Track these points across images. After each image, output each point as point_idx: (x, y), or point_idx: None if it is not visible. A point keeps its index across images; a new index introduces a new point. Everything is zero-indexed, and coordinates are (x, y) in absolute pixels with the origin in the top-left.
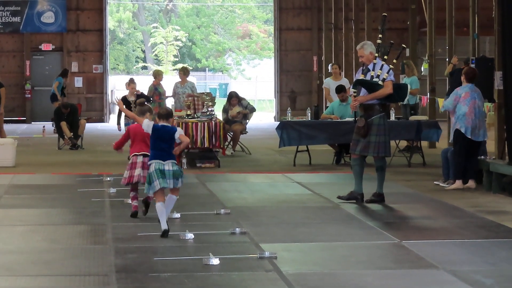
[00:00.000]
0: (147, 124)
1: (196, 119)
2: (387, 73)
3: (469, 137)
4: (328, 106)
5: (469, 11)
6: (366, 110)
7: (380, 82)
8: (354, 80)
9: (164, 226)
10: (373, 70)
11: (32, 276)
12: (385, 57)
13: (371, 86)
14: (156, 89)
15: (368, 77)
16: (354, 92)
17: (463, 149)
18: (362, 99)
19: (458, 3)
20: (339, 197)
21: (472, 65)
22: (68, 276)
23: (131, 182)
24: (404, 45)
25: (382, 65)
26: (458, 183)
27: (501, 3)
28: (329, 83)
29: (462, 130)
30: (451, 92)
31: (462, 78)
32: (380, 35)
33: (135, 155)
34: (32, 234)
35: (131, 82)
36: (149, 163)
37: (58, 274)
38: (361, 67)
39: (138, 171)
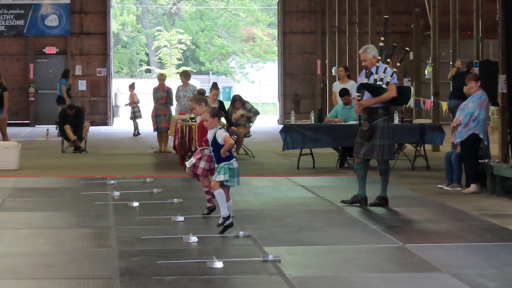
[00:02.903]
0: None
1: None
2: (391, 76)
3: (486, 143)
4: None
5: (473, 14)
6: (370, 113)
7: (384, 86)
8: (358, 84)
9: (226, 212)
10: (376, 73)
11: (36, 279)
12: (388, 60)
13: (375, 90)
14: (155, 92)
15: (371, 81)
16: (358, 96)
17: (475, 153)
18: (366, 103)
19: (462, 6)
20: (342, 201)
21: (476, 69)
22: (71, 279)
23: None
24: (407, 48)
25: (386, 68)
26: (474, 187)
27: (505, 7)
28: (336, 87)
29: (481, 136)
30: (455, 95)
31: (474, 84)
32: (382, 38)
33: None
34: (36, 237)
35: (214, 87)
36: (231, 161)
37: (62, 277)
38: (364, 71)
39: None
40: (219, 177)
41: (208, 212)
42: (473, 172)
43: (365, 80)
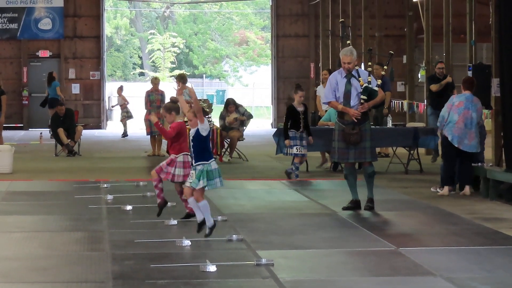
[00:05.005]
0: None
1: None
2: (381, 79)
3: (456, 145)
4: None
5: (466, 18)
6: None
7: (375, 88)
8: (363, 87)
9: (211, 221)
10: (359, 76)
11: (29, 283)
12: (369, 63)
13: (372, 93)
14: (148, 96)
15: (354, 83)
16: (364, 98)
17: (449, 156)
18: (368, 105)
19: (455, 10)
20: (344, 208)
21: (469, 72)
22: (64, 283)
23: (173, 181)
24: (391, 52)
25: (369, 72)
26: (445, 189)
27: (498, 10)
28: (320, 91)
29: (449, 138)
30: (430, 103)
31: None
32: (348, 42)
33: (185, 154)
34: (29, 240)
35: (300, 89)
36: (210, 161)
37: (55, 281)
38: (341, 71)
39: (178, 171)
40: (199, 183)
41: (186, 217)
42: (446, 175)
43: (362, 83)
